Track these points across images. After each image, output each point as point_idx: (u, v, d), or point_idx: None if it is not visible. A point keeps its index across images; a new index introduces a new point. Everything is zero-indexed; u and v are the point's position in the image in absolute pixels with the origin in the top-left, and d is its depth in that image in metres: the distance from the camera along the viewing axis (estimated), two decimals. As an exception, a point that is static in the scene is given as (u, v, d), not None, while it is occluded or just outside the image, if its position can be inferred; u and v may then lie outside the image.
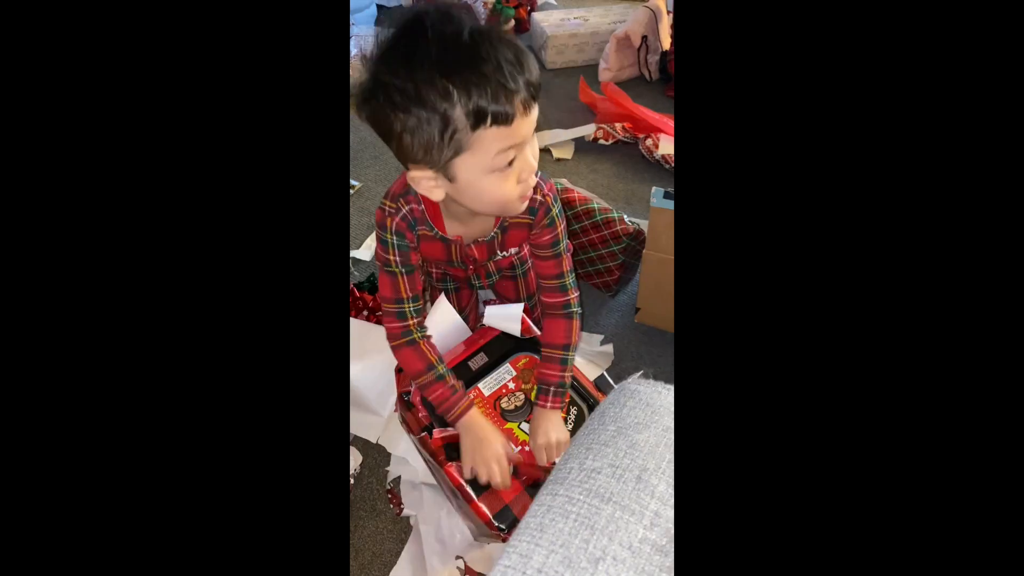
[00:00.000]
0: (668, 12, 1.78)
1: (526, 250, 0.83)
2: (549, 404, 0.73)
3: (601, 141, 1.56)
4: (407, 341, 0.73)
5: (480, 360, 0.80)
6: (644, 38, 1.80)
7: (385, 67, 0.53)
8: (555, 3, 2.22)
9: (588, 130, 1.57)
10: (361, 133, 1.64)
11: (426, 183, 0.58)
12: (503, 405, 0.77)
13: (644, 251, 1.05)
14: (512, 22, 1.95)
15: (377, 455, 0.94)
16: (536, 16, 1.97)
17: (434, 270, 0.89)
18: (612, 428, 0.37)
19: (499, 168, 0.55)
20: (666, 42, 1.78)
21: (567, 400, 0.75)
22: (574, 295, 0.76)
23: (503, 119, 0.52)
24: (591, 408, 0.79)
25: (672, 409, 0.41)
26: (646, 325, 1.13)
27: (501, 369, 0.79)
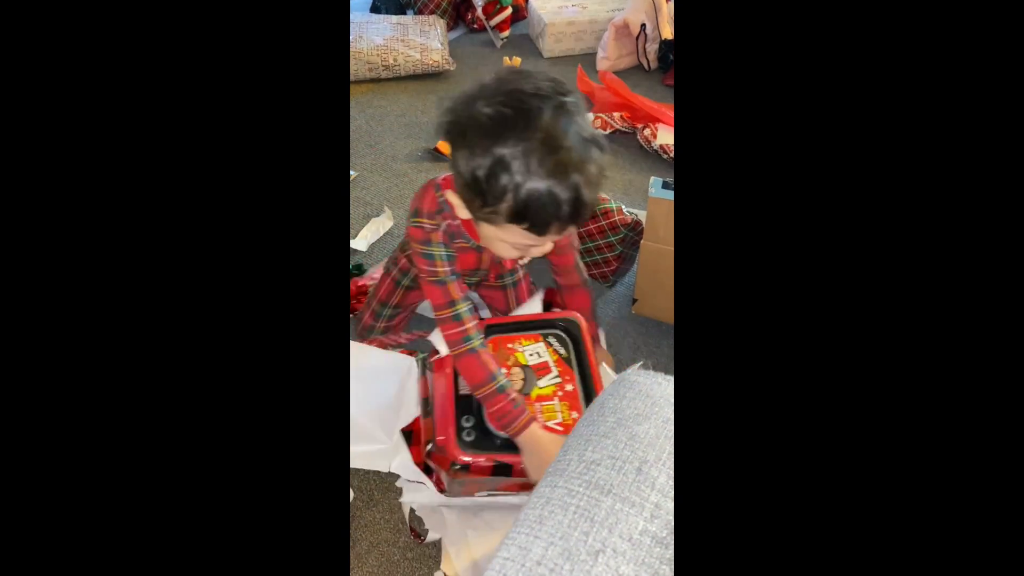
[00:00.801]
0: (667, 0, 1.77)
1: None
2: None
3: (599, 130, 1.55)
4: (468, 349, 0.74)
5: None
6: (643, 26, 1.78)
7: (486, 125, 0.57)
8: (553, -10, 2.19)
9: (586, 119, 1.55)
10: (357, 122, 1.63)
11: (458, 205, 0.66)
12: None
13: (642, 242, 1.04)
14: (510, 10, 1.92)
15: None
16: (534, 3, 1.94)
17: None
18: (611, 420, 0.37)
19: (504, 240, 0.65)
20: (665, 30, 1.76)
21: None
22: (585, 273, 0.89)
23: (535, 232, 0.61)
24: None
25: (672, 400, 0.40)
26: (644, 316, 1.13)
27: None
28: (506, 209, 0.58)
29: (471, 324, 0.75)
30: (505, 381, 0.74)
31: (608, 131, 1.54)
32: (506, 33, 1.96)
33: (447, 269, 0.74)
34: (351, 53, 1.71)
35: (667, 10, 1.76)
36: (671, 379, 0.42)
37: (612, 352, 1.06)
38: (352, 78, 1.73)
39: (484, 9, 1.91)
